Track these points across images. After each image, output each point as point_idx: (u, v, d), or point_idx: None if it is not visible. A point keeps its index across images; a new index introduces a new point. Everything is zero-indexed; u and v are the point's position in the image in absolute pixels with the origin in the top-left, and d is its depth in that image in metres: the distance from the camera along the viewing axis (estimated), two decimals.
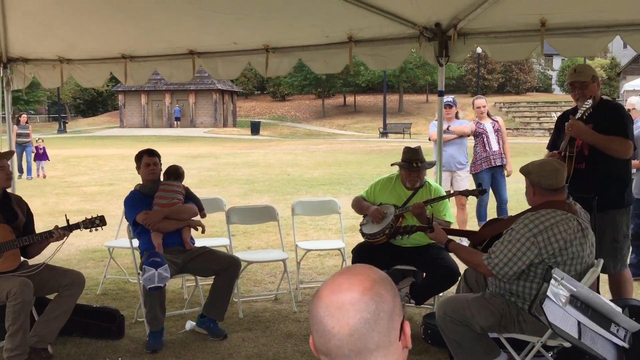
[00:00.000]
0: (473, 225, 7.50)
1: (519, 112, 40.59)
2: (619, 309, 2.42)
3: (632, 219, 5.70)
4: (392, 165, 4.73)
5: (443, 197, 4.47)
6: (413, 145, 4.75)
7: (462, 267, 3.84)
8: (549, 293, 2.31)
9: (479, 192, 4.41)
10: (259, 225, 6.83)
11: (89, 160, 20.14)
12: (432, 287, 4.42)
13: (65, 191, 13.15)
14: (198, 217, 4.72)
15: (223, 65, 5.69)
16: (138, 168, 4.59)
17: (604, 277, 4.39)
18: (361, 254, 4.50)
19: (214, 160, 20.35)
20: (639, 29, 4.28)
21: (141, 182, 4.64)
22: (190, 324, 4.51)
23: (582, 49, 4.59)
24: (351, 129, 42.24)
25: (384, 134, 36.34)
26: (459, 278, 4.26)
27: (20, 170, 15.81)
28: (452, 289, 4.48)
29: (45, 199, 11.79)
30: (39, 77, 6.31)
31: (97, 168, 17.85)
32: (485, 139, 7.21)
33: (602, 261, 3.22)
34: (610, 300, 3.66)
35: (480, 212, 7.41)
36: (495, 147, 7.22)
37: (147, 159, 4.59)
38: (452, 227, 7.32)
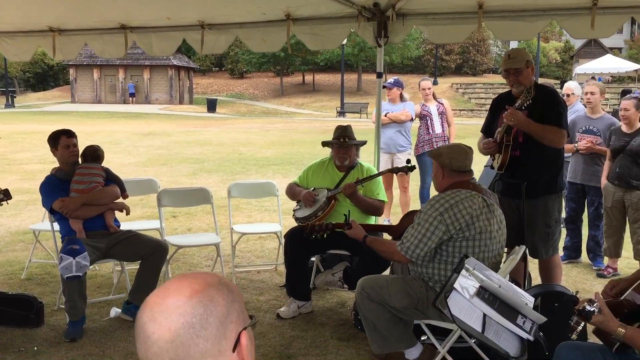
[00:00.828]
0: (418, 207, 7.52)
1: (475, 93, 41.04)
2: (528, 300, 2.39)
3: (567, 203, 5.79)
4: (323, 145, 4.66)
5: (372, 176, 4.43)
6: (345, 123, 4.74)
7: None
8: (456, 285, 2.27)
9: (408, 169, 4.40)
10: (203, 206, 6.72)
11: (34, 136, 19.44)
12: (364, 271, 4.32)
13: (4, 169, 12.66)
14: (122, 199, 4.52)
15: (157, 41, 5.46)
16: (54, 150, 4.34)
17: (536, 262, 4.44)
18: (294, 239, 4.43)
19: (165, 138, 19.93)
20: (574, 14, 4.27)
21: (58, 166, 4.39)
22: (115, 311, 4.36)
23: (518, 33, 4.56)
24: (309, 107, 42.04)
25: (341, 113, 36.28)
26: (387, 266, 4.26)
27: None
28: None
29: None
30: None
31: (41, 145, 17.15)
32: (428, 122, 7.20)
33: (523, 248, 3.23)
34: (537, 286, 3.71)
35: (423, 194, 7.42)
36: (438, 129, 7.22)
37: (65, 140, 4.32)
38: (392, 210, 7.49)
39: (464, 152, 3.18)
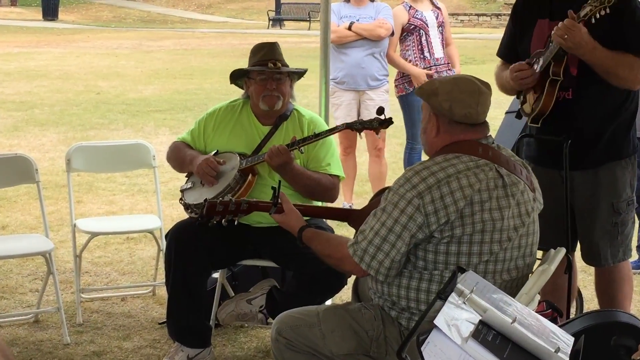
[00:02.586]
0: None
1: None
2: (563, 342, 2.41)
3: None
4: (233, 79, 4.63)
5: (319, 136, 4.40)
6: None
7: None
8: (439, 320, 2.26)
9: (380, 123, 4.38)
10: (27, 187, 6.61)
11: None
12: (301, 296, 4.38)
13: None
14: None
15: None
16: None
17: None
18: (181, 240, 4.41)
19: None
20: None
21: None
22: None
23: None
24: (222, 12, 41.83)
25: (276, 21, 36.18)
26: (346, 280, 4.29)
27: None
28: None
29: None
30: None
31: None
32: (423, 38, 7.21)
33: (561, 251, 3.27)
34: (587, 315, 3.78)
35: (412, 160, 7.47)
36: (439, 52, 7.28)
37: None
38: (357, 189, 7.54)
39: (475, 92, 3.12)
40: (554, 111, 3.95)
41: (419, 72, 6.99)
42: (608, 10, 3.67)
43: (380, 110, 4.47)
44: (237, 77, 4.63)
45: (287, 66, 4.54)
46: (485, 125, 3.19)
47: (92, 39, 28.38)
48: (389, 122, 4.42)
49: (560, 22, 3.79)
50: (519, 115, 4.31)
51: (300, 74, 4.64)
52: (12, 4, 44.17)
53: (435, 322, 2.30)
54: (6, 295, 5.51)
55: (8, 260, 5.83)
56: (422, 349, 2.24)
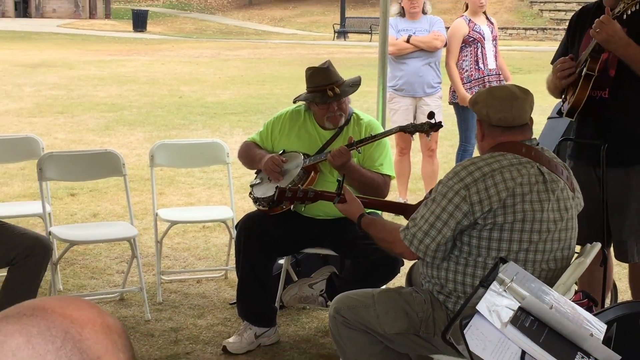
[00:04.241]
0: None
1: (550, 2, 40.88)
2: (596, 328, 2.37)
3: None
4: (295, 102, 4.61)
5: (375, 137, 4.37)
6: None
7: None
8: (481, 305, 2.24)
9: (431, 127, 4.33)
10: (116, 180, 6.70)
11: None
12: (358, 281, 4.35)
13: None
14: None
15: None
16: None
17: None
18: (250, 231, 4.42)
19: (65, 71, 19.81)
20: None
21: None
22: None
23: None
24: (292, 25, 41.79)
25: (341, 33, 36.08)
26: (399, 268, 4.27)
27: None
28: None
29: None
30: None
31: None
32: (479, 50, 7.12)
33: (596, 246, 3.21)
34: (619, 305, 3.70)
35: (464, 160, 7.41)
36: (492, 63, 7.18)
37: None
38: (410, 186, 7.48)
39: (509, 98, 3.13)
40: (591, 109, 3.87)
41: (464, 96, 6.90)
42: (637, 7, 3.62)
43: (431, 115, 4.43)
44: (297, 99, 4.60)
45: (344, 82, 4.45)
46: (526, 127, 3.19)
47: (176, 49, 28.56)
48: (438, 125, 4.38)
49: (596, 21, 3.76)
50: (559, 113, 4.25)
51: (357, 87, 4.53)
52: (106, 16, 44.82)
53: (478, 307, 2.28)
54: (95, 275, 5.59)
55: (98, 245, 5.92)
56: (465, 331, 2.23)
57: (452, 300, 3.12)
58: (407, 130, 4.55)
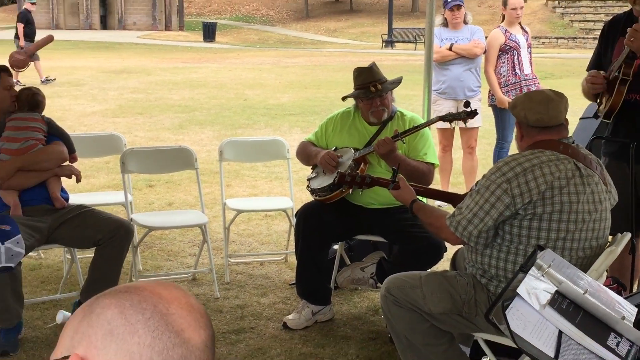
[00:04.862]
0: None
1: (579, 14, 40.12)
2: (628, 312, 2.31)
3: None
4: (344, 99, 4.58)
5: (418, 127, 4.33)
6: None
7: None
8: (521, 289, 2.19)
9: (467, 115, 4.29)
10: (189, 172, 6.76)
11: None
12: (406, 265, 4.30)
13: None
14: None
15: None
16: None
17: None
18: (308, 219, 4.41)
19: (144, 77, 20.02)
20: None
21: None
22: (63, 315, 4.37)
23: None
24: (345, 35, 41.68)
25: (388, 42, 35.91)
26: (443, 253, 4.22)
27: None
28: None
29: None
30: None
31: None
32: (515, 57, 7.02)
33: (627, 236, 3.14)
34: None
35: (501, 156, 7.30)
36: (527, 69, 7.07)
37: (7, 79, 4.35)
38: (452, 180, 7.39)
39: (545, 101, 3.08)
40: (626, 111, 3.80)
41: (502, 98, 6.83)
42: None
43: (467, 104, 4.41)
44: (346, 97, 4.58)
45: (386, 81, 4.42)
46: (562, 127, 3.14)
47: (241, 57, 28.70)
48: (474, 113, 4.36)
49: (628, 29, 3.67)
50: (595, 115, 4.17)
51: (397, 84, 4.50)
52: (180, 28, 45.23)
53: (518, 290, 2.23)
54: (171, 257, 5.64)
55: (173, 230, 5.98)
56: (506, 312, 2.19)
57: (493, 284, 3.08)
58: (446, 119, 4.53)
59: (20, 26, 18.02)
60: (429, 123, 4.48)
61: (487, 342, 3.14)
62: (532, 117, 3.08)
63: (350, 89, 4.53)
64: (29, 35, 17.88)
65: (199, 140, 10.63)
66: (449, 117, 4.52)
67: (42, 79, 17.67)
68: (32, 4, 18.60)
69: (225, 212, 5.40)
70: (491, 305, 2.53)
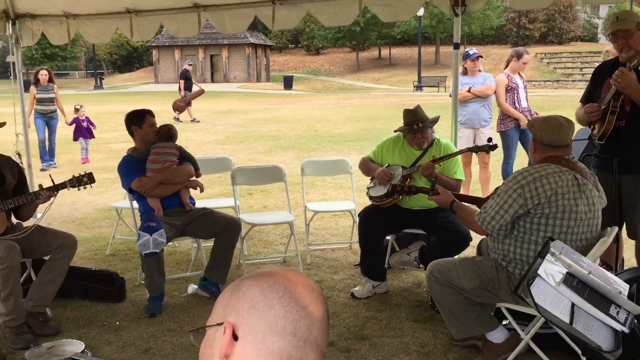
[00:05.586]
0: (499, 184, 7.21)
1: (560, 63, 39.04)
2: (622, 288, 2.18)
3: None
4: (395, 131, 4.49)
5: (451, 155, 4.23)
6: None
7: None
8: (541, 270, 2.09)
9: (489, 148, 4.17)
10: (278, 184, 6.79)
11: (120, 116, 20.25)
12: (440, 251, 4.20)
13: (92, 148, 13.21)
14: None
15: (229, 18, 5.44)
16: (136, 129, 4.41)
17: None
18: (368, 218, 4.35)
19: (243, 116, 20.24)
20: None
21: (133, 146, 4.48)
22: (192, 288, 4.44)
23: None
24: (385, 82, 41.48)
25: (418, 87, 35.57)
26: (469, 242, 4.10)
27: (46, 157, 10.48)
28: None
29: (72, 155, 11.88)
30: (47, 33, 6.17)
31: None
32: (515, 95, 6.85)
33: (615, 229, 2.99)
34: (632, 269, 3.43)
35: (507, 170, 7.11)
36: (524, 103, 6.88)
37: (150, 119, 4.43)
38: (471, 187, 7.21)
39: (558, 126, 2.96)
40: (613, 134, 3.67)
41: (521, 116, 6.68)
42: None
43: (490, 140, 4.26)
44: (397, 130, 4.50)
45: (427, 119, 4.32)
46: (568, 146, 3.02)
47: (312, 100, 28.81)
48: (495, 147, 4.23)
49: (617, 70, 3.52)
50: (590, 138, 4.01)
51: (435, 122, 4.39)
52: (267, 80, 45.72)
53: (538, 272, 2.13)
54: (267, 246, 5.64)
55: (268, 226, 5.98)
56: (530, 288, 2.09)
57: (512, 266, 2.97)
58: (473, 150, 4.40)
59: (182, 82, 18.55)
60: (459, 152, 4.37)
61: (507, 309, 3.03)
62: (546, 137, 2.97)
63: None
64: (187, 88, 18.45)
65: (283, 161, 10.66)
66: (475, 149, 4.43)
67: (191, 119, 18.10)
68: (190, 65, 19.33)
69: (306, 213, 5.38)
70: (518, 283, 2.44)
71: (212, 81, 44.85)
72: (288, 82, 39.28)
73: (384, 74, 44.28)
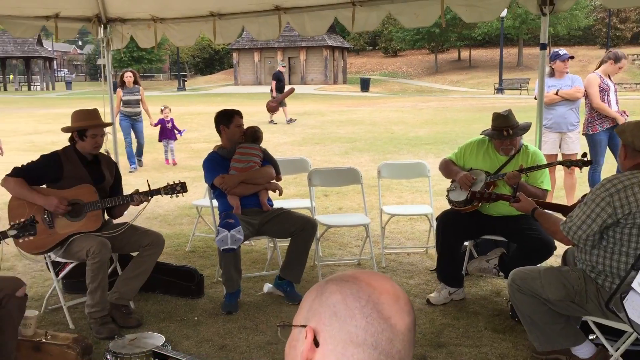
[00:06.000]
0: (585, 191, 6.88)
1: None
2: None
3: None
4: (482, 133, 4.35)
5: (540, 167, 4.07)
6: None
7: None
8: (635, 284, 1.96)
9: (583, 164, 3.97)
10: (354, 186, 6.78)
11: (201, 117, 20.90)
12: (522, 260, 4.05)
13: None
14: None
15: (309, 20, 5.48)
16: (224, 128, 4.52)
17: None
18: (446, 222, 4.25)
19: (319, 117, 20.38)
20: None
21: (220, 144, 4.61)
22: (267, 287, 4.49)
23: None
24: (465, 85, 40.65)
25: (499, 90, 34.61)
26: (553, 251, 3.93)
27: (133, 160, 10.56)
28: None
29: (156, 154, 12.35)
30: (136, 36, 6.44)
31: (207, 125, 18.46)
32: (606, 97, 6.52)
33: None
34: None
35: (594, 177, 6.75)
36: (615, 106, 6.54)
37: (238, 119, 4.54)
38: (555, 194, 6.91)
39: None
40: None
41: (618, 115, 6.35)
42: None
43: (584, 155, 4.07)
44: (483, 133, 4.35)
45: (517, 126, 4.12)
46: None
47: (388, 102, 28.64)
48: (589, 162, 4.04)
49: None
50: None
51: (526, 131, 4.16)
52: (344, 82, 45.85)
53: (633, 285, 2.01)
54: (342, 247, 5.63)
55: (343, 227, 5.97)
56: (624, 302, 1.97)
57: (601, 278, 2.81)
58: (566, 164, 4.21)
59: (274, 83, 18.88)
60: (550, 165, 4.18)
61: (595, 323, 2.87)
62: (638, 143, 2.80)
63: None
64: (279, 89, 18.73)
65: (359, 163, 10.63)
66: (567, 164, 4.21)
67: (287, 119, 18.35)
68: (283, 67, 19.75)
69: (382, 216, 5.33)
70: (610, 296, 2.31)
71: (290, 83, 45.36)
72: (365, 84, 39.22)
73: (464, 76, 43.39)
